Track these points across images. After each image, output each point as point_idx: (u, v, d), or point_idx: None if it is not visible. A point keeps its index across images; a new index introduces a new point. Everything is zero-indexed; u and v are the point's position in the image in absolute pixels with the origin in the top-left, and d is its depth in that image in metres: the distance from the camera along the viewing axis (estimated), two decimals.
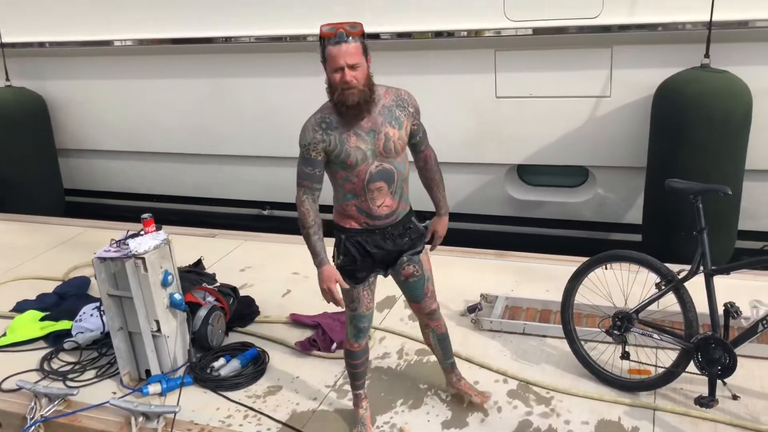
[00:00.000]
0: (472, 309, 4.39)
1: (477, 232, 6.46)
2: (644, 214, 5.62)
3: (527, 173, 6.37)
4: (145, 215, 3.95)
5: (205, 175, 7.47)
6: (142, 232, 3.91)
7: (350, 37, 2.77)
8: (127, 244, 3.78)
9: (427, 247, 3.30)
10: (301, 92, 6.46)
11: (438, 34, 5.73)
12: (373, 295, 3.23)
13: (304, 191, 2.99)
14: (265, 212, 7.47)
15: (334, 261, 3.12)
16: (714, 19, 4.93)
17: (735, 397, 3.43)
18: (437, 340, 3.47)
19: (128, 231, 3.98)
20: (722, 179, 4.71)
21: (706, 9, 4.93)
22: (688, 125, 4.96)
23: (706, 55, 5.06)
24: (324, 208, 3.04)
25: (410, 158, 3.16)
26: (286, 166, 6.99)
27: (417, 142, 3.13)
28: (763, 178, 5.46)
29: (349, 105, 2.82)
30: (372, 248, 3.08)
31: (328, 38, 2.78)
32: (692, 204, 3.36)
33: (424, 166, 3.22)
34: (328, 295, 3.02)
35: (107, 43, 6.97)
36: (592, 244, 6.18)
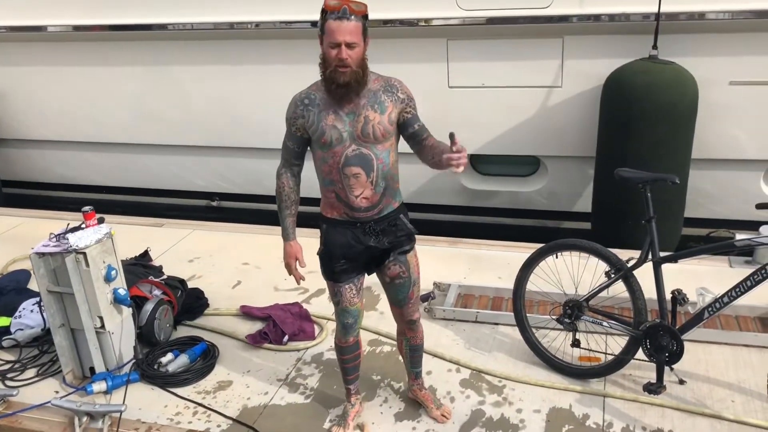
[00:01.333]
0: (425, 298, 4.37)
1: (431, 222, 6.46)
2: (593, 203, 5.69)
3: (480, 163, 6.38)
4: (86, 208, 3.79)
5: (150, 165, 7.27)
6: (82, 226, 3.75)
7: (353, 16, 2.66)
8: (67, 239, 3.62)
9: (416, 248, 3.14)
10: (248, 81, 6.35)
11: (388, 22, 5.65)
12: (358, 290, 3.11)
13: (283, 164, 3.03)
14: (214, 203, 7.34)
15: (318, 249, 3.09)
16: (662, 10, 4.99)
17: (681, 382, 3.51)
18: (409, 349, 3.36)
19: (68, 224, 3.82)
20: (669, 168, 4.81)
21: (654, 0, 4.98)
22: (635, 116, 5.02)
23: (654, 47, 5.13)
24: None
25: (405, 154, 3.00)
26: (234, 156, 6.88)
27: (416, 131, 2.91)
28: (708, 166, 5.58)
29: (339, 83, 2.72)
30: (352, 242, 2.96)
31: (331, 12, 2.66)
32: (641, 193, 3.39)
33: (429, 148, 2.86)
34: (288, 269, 3.15)
35: (43, 28, 6.67)
36: (543, 232, 6.25)
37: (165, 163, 7.18)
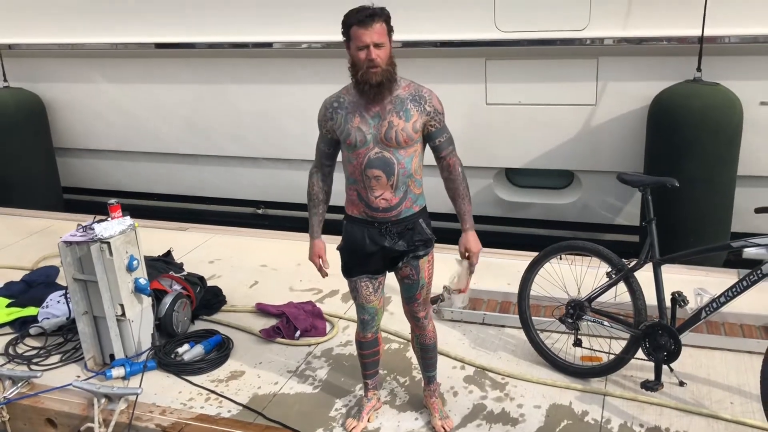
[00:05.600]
0: (434, 300, 4.48)
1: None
2: (642, 218, 5.83)
3: (515, 175, 6.56)
4: (111, 201, 4.01)
5: (200, 175, 7.60)
6: (108, 218, 3.96)
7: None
8: (93, 229, 3.83)
9: (433, 253, 3.20)
10: (293, 97, 6.66)
11: (430, 43, 5.93)
12: (375, 289, 3.19)
13: (315, 165, 3.19)
14: (260, 211, 7.61)
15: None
16: (705, 33, 5.14)
17: (681, 384, 3.56)
18: (419, 347, 3.41)
19: (95, 216, 4.03)
20: (716, 185, 5.17)
21: (695, 24, 5.14)
22: (684, 137, 5.16)
23: (698, 69, 5.26)
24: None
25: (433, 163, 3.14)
26: (280, 168, 7.16)
27: (437, 146, 3.04)
28: (752, 183, 5.70)
29: (372, 84, 2.84)
30: (368, 240, 3.05)
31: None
32: (642, 196, 3.49)
33: (448, 176, 3.13)
34: (315, 266, 3.28)
35: (104, 45, 7.07)
36: None
37: (214, 172, 7.51)
